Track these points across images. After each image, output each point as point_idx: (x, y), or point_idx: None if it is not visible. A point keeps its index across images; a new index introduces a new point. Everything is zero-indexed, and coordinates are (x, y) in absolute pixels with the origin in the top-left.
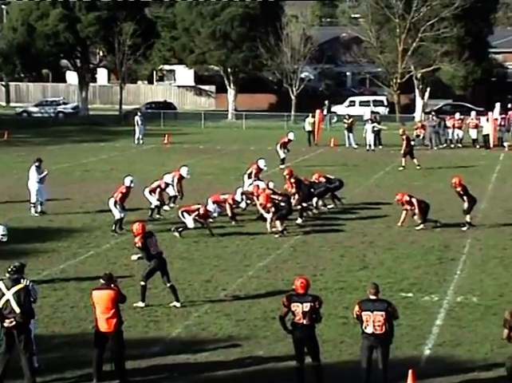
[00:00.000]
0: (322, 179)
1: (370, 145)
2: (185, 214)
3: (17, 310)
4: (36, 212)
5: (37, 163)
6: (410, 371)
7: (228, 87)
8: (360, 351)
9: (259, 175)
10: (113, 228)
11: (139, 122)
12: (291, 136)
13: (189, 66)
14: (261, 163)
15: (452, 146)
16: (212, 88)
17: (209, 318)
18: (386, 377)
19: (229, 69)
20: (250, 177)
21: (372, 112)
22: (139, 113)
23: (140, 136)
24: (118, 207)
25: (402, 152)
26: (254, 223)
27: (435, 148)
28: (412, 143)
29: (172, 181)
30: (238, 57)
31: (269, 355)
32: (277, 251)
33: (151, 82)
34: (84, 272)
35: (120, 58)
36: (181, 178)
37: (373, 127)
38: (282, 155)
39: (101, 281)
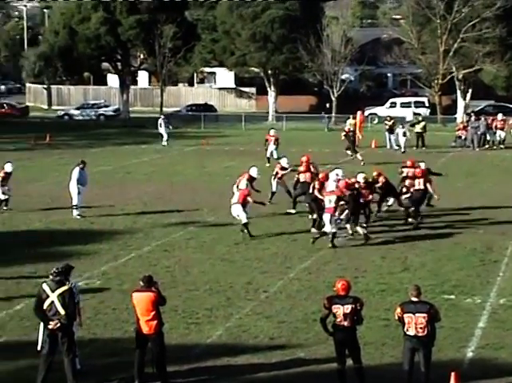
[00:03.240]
0: (382, 179)
1: (401, 147)
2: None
3: (62, 312)
4: (78, 215)
5: (81, 165)
6: (452, 373)
7: (268, 89)
8: (401, 353)
9: (253, 184)
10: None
11: (163, 125)
12: (284, 162)
13: (229, 68)
14: (254, 172)
15: (495, 147)
16: (253, 90)
17: (250, 320)
18: (428, 380)
19: (269, 71)
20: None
21: (414, 114)
22: (162, 116)
23: (166, 138)
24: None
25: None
26: (295, 225)
27: (477, 149)
28: (453, 144)
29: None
30: (279, 59)
31: (310, 357)
32: (319, 253)
33: (191, 84)
34: (126, 274)
35: (160, 61)
36: (251, 179)
37: (404, 132)
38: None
39: (141, 283)
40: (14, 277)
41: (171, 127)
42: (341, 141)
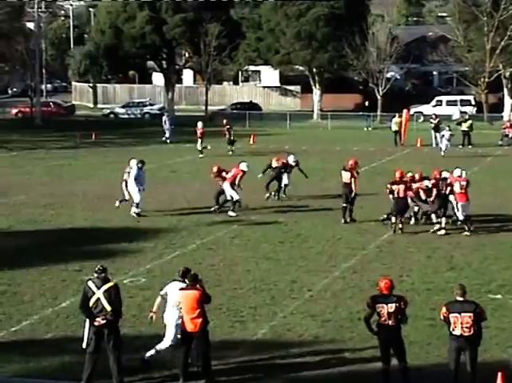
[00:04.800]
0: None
1: (442, 150)
2: None
3: (108, 308)
4: (137, 214)
5: (139, 165)
6: (499, 374)
7: (313, 87)
8: (447, 353)
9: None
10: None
11: (167, 122)
12: (291, 159)
13: (274, 67)
14: (243, 166)
15: None
16: (297, 88)
17: (294, 319)
18: (475, 380)
19: (314, 69)
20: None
21: (461, 112)
22: (166, 113)
23: (168, 136)
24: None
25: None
26: (339, 225)
27: None
28: (500, 142)
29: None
30: (324, 57)
31: (354, 356)
32: (363, 252)
33: (236, 83)
34: (171, 272)
35: (205, 59)
36: (243, 173)
37: (450, 135)
38: (285, 181)
39: (187, 281)
40: (60, 275)
41: (173, 126)
42: (386, 140)
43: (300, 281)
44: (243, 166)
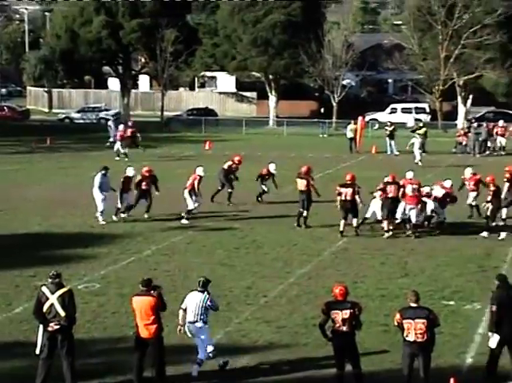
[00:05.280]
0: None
1: (416, 159)
2: None
3: (62, 314)
4: (103, 220)
5: (103, 171)
6: (451, 379)
7: (269, 93)
8: (401, 359)
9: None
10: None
11: (113, 126)
12: (272, 167)
13: (230, 73)
14: (200, 171)
15: (495, 153)
16: (253, 94)
17: (249, 325)
18: None
19: (270, 76)
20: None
21: (415, 120)
22: (112, 117)
23: (113, 140)
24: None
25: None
26: (294, 231)
27: (477, 156)
28: (454, 150)
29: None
30: (280, 64)
31: (309, 362)
32: (318, 258)
33: (192, 89)
34: (125, 278)
35: (161, 65)
36: (200, 178)
37: (421, 143)
38: (263, 188)
39: (141, 287)
40: (14, 280)
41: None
42: (341, 146)
43: (255, 287)
44: (199, 171)
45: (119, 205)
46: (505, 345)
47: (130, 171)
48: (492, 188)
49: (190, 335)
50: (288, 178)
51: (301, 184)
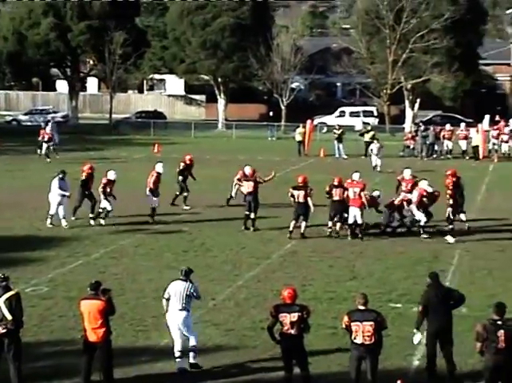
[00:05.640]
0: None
1: (377, 166)
2: None
3: (9, 317)
4: (51, 223)
5: (61, 175)
6: (398, 381)
7: (218, 97)
8: (349, 361)
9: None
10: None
11: (54, 129)
12: (247, 170)
13: (179, 76)
14: (158, 167)
15: (442, 157)
16: (202, 97)
17: (198, 328)
18: None
19: (219, 79)
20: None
21: (364, 123)
22: (52, 120)
23: (57, 142)
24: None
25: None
26: (244, 233)
27: (425, 159)
28: (401, 153)
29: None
30: (229, 67)
31: (257, 365)
32: (267, 261)
33: (141, 91)
34: (73, 281)
35: (110, 67)
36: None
37: (378, 149)
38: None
39: (89, 290)
40: None
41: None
42: (290, 150)
43: (203, 290)
44: (158, 167)
45: (109, 207)
46: (437, 343)
47: (111, 175)
48: (449, 192)
49: (171, 325)
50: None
51: (248, 186)
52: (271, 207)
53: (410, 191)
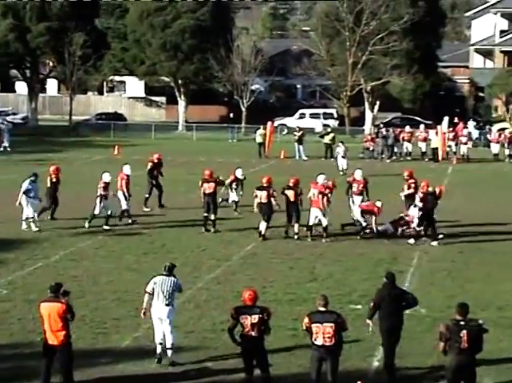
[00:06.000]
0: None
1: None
2: None
3: None
4: (27, 227)
5: (32, 178)
6: (359, 382)
7: (179, 98)
8: (309, 363)
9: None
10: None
11: (6, 130)
12: (238, 173)
13: (139, 77)
14: (126, 170)
15: (401, 159)
16: (163, 99)
17: None
18: None
19: (179, 81)
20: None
21: (324, 125)
22: (5, 122)
23: (6, 145)
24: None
25: None
26: (204, 235)
27: (387, 161)
28: (361, 155)
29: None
30: (189, 69)
31: (218, 367)
32: (227, 263)
33: (101, 93)
34: (32, 284)
35: (70, 69)
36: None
37: (344, 152)
38: (232, 196)
39: (49, 293)
40: None
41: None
42: (250, 151)
43: None
44: (126, 169)
45: (97, 211)
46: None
47: (106, 177)
48: (421, 195)
49: (155, 320)
50: (197, 183)
51: (208, 187)
52: (231, 209)
53: (360, 193)
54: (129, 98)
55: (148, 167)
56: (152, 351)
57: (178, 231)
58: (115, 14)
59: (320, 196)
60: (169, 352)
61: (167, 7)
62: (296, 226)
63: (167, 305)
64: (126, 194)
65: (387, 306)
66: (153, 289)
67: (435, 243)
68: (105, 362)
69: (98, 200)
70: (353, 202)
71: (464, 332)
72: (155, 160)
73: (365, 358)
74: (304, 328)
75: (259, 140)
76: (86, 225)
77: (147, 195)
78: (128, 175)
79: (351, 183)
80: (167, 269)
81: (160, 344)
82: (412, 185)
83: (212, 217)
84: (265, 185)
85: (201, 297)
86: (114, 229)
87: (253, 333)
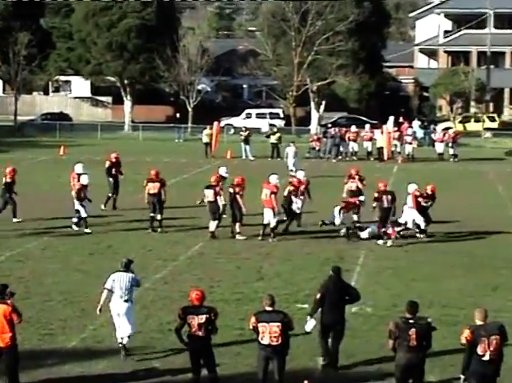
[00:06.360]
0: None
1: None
2: None
3: None
4: None
5: None
6: (305, 381)
7: (125, 98)
8: (256, 362)
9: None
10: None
11: None
12: (222, 171)
13: (85, 77)
14: (79, 169)
15: (347, 158)
16: (109, 99)
17: (105, 331)
18: None
19: (125, 81)
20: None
21: (270, 125)
22: None
23: None
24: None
25: None
26: (151, 236)
27: (333, 161)
28: (307, 155)
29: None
30: (135, 69)
31: (165, 367)
32: (174, 263)
33: (46, 93)
34: None
35: (14, 68)
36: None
37: (295, 152)
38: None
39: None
40: None
41: None
42: (197, 151)
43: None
44: (84, 180)
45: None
46: (329, 333)
47: (84, 180)
48: (376, 195)
49: (114, 315)
50: (142, 183)
51: (153, 187)
52: (178, 209)
53: (302, 193)
54: (75, 98)
55: (106, 165)
56: (99, 352)
57: (125, 232)
58: (60, 14)
59: (273, 196)
60: (125, 339)
61: (112, 7)
62: (158, 217)
63: (126, 301)
64: (85, 196)
65: (330, 298)
66: (112, 286)
67: (380, 242)
68: (52, 363)
69: (78, 203)
70: (296, 203)
71: (413, 330)
72: (113, 159)
73: (312, 357)
74: (250, 327)
75: (206, 140)
76: (87, 230)
77: (110, 195)
78: (79, 175)
79: (294, 183)
80: (123, 265)
81: (122, 338)
82: (364, 181)
83: (158, 217)
84: (213, 183)
85: (148, 297)
86: (61, 230)
87: (200, 333)
